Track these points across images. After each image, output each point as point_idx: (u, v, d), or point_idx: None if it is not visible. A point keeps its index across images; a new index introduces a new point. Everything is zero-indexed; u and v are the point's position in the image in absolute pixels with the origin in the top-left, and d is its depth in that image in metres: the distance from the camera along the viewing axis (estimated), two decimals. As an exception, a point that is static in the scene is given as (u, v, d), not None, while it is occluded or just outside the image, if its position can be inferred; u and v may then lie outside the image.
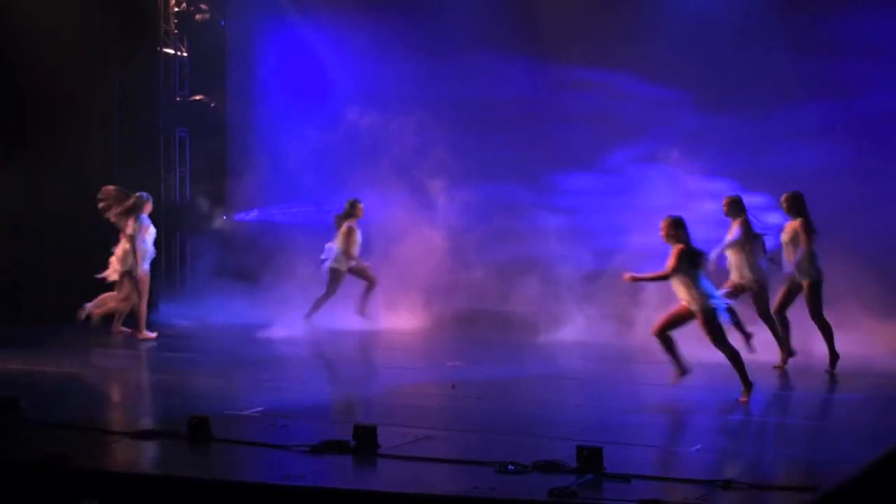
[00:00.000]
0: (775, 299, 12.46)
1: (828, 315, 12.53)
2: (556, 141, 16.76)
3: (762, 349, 12.06)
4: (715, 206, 13.25)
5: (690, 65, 15.94)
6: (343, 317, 15.49)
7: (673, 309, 10.68)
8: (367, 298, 15.40)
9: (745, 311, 12.28)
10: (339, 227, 15.28)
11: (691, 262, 10.33)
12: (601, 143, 16.16)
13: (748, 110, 15.87)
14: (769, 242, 12.69)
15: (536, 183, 16.39)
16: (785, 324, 12.41)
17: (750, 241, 12.44)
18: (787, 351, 12.32)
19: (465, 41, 16.91)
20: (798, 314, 13.00)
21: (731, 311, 10.67)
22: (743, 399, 10.25)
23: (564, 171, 16.38)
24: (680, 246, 10.34)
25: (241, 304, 16.60)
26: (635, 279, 10.87)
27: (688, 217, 10.68)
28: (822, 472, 7.18)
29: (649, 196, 15.00)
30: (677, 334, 10.59)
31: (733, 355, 10.43)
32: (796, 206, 12.29)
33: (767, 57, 15.76)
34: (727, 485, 7.13)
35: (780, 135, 15.61)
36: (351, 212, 15.31)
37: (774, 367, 12.17)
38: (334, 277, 15.23)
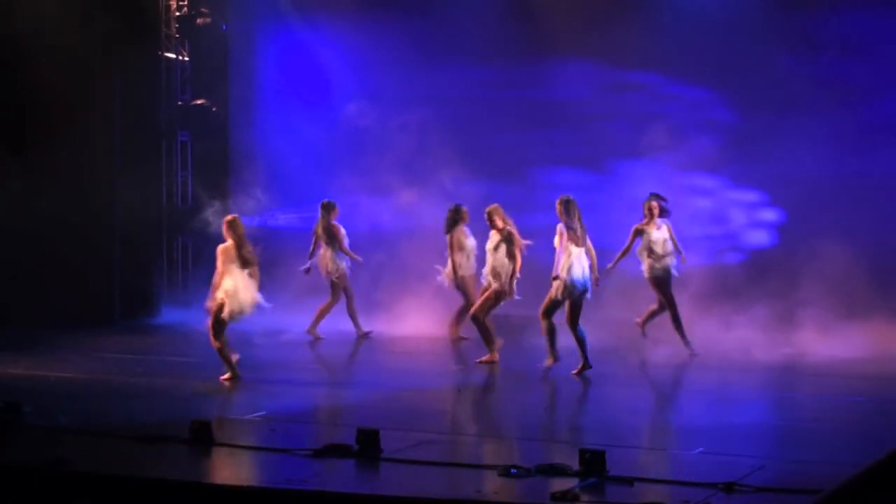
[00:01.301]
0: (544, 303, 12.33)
1: (830, 315, 12.59)
2: (562, 139, 16.84)
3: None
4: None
5: (710, 65, 16.02)
6: (342, 320, 15.50)
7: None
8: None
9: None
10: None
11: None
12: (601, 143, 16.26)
13: (760, 110, 15.96)
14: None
15: (537, 181, 16.43)
16: (551, 330, 12.35)
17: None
18: (555, 357, 12.28)
19: (465, 43, 16.91)
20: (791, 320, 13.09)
21: None
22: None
23: (569, 169, 16.44)
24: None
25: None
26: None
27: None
28: (825, 475, 7.16)
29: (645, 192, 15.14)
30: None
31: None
32: (562, 211, 12.15)
33: (782, 58, 15.81)
34: (730, 487, 7.12)
35: (789, 136, 15.64)
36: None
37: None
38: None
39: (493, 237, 12.91)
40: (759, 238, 16.00)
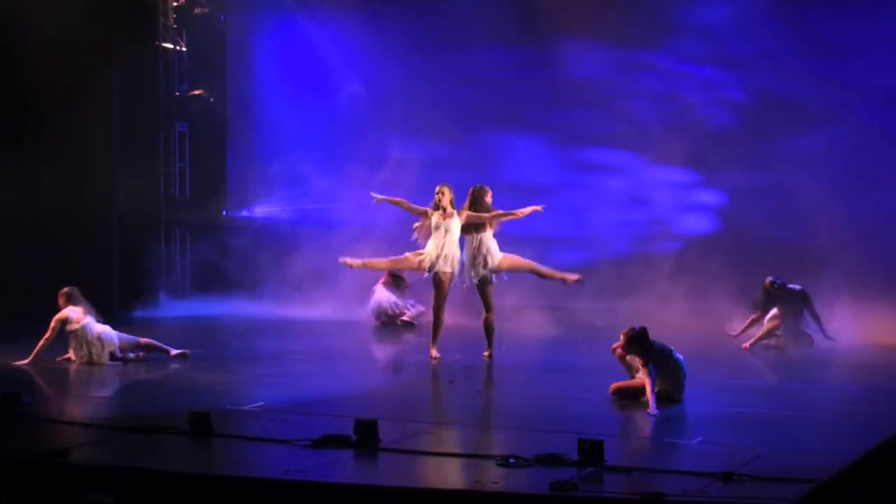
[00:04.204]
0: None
1: (833, 310, 12.82)
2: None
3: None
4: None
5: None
6: (350, 310, 15.51)
7: None
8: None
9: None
10: None
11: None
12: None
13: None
14: None
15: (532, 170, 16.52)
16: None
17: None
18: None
19: (464, 31, 16.93)
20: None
21: None
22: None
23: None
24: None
25: (240, 299, 16.61)
26: None
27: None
28: (823, 464, 7.17)
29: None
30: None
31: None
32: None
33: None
34: (728, 477, 7.14)
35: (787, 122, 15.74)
36: None
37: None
38: None
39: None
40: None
